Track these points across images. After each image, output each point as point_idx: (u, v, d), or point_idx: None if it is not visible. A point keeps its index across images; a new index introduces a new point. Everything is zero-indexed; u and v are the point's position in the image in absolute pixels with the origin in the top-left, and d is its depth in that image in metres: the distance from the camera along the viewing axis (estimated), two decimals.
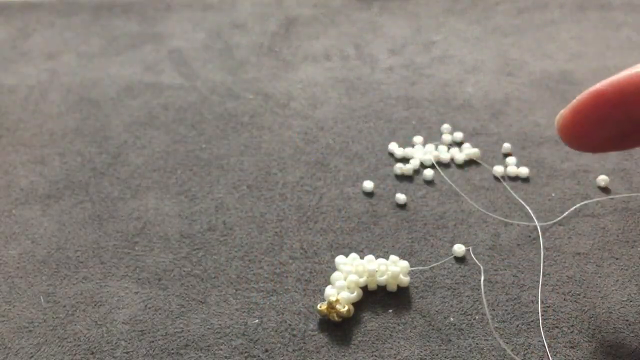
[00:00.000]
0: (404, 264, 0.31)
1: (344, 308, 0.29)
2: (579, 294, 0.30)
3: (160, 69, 0.47)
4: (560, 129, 0.26)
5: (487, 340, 0.29)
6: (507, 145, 0.39)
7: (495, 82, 0.45)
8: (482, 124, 0.41)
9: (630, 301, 0.30)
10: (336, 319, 0.29)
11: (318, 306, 0.30)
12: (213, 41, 0.50)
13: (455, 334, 0.29)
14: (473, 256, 0.24)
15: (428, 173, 0.37)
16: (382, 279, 0.31)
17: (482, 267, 0.25)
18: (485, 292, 0.31)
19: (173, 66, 0.47)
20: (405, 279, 0.31)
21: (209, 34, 0.51)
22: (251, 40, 0.50)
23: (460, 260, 0.32)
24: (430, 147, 0.39)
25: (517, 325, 0.29)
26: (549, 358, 0.28)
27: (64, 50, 0.50)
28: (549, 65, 0.46)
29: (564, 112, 0.26)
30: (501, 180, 0.37)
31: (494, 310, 0.30)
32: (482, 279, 0.24)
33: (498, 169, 0.37)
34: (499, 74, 0.46)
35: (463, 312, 0.30)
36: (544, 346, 0.28)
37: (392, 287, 0.31)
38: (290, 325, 0.29)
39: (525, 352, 0.28)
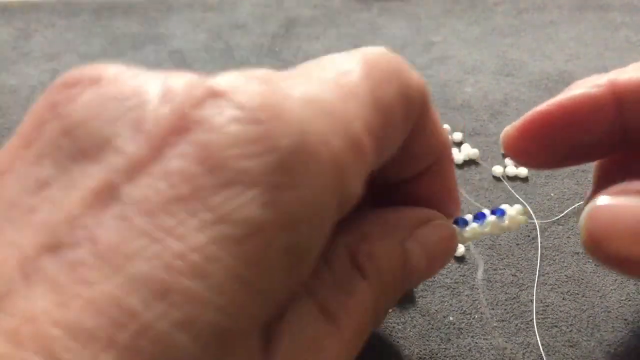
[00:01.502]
0: None
1: None
2: (577, 293, 0.31)
3: (161, 69, 0.47)
4: (505, 147, 0.25)
5: (486, 339, 0.29)
6: None
7: (494, 82, 0.45)
8: (481, 124, 0.41)
9: (629, 300, 0.30)
10: None
11: None
12: (214, 42, 0.50)
13: (454, 333, 0.29)
14: (472, 250, 0.24)
15: None
16: None
17: (482, 261, 0.26)
18: (484, 291, 0.31)
19: (174, 67, 0.48)
20: None
21: (210, 35, 0.51)
22: (251, 41, 0.50)
23: (460, 259, 0.32)
24: None
25: (516, 325, 0.29)
26: (542, 357, 0.28)
27: (65, 51, 0.50)
28: (548, 65, 0.46)
29: (508, 130, 0.25)
30: (501, 180, 0.37)
31: (492, 309, 0.30)
32: (481, 270, 0.24)
33: (497, 169, 0.38)
34: (498, 74, 0.46)
35: (462, 312, 0.30)
36: (540, 345, 0.28)
37: None
38: None
39: (525, 351, 0.28)
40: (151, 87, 0.16)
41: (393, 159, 0.22)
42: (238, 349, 0.15)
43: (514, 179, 0.37)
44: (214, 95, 0.16)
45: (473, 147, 0.39)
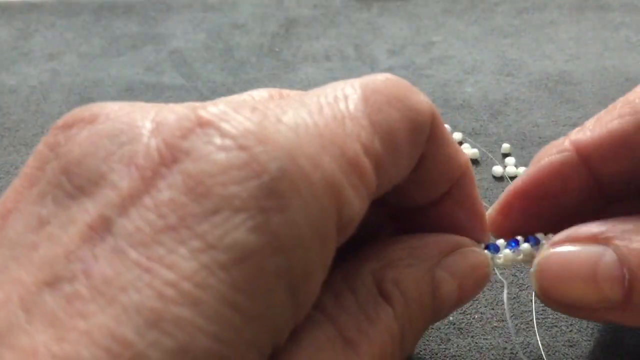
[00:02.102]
0: None
1: None
2: None
3: (161, 69, 0.47)
4: (491, 229, 0.26)
5: (486, 339, 0.29)
6: (506, 146, 0.39)
7: (494, 82, 0.45)
8: (481, 124, 0.41)
9: None
10: None
11: None
12: (213, 42, 0.50)
13: (454, 333, 0.29)
14: (497, 272, 0.24)
15: None
16: None
17: (505, 282, 0.26)
18: (484, 291, 0.31)
19: (174, 67, 0.48)
20: None
21: (210, 35, 0.51)
22: (251, 41, 0.50)
23: None
24: None
25: (517, 325, 0.29)
26: (543, 357, 0.28)
27: (65, 51, 0.50)
28: (548, 65, 0.46)
29: (490, 213, 0.26)
30: (501, 179, 0.37)
31: (492, 309, 0.30)
32: (506, 292, 0.24)
33: (497, 169, 0.38)
34: (498, 74, 0.46)
35: (462, 312, 0.30)
36: (540, 345, 0.28)
37: None
38: None
39: (525, 351, 0.28)
40: (144, 122, 0.17)
41: (408, 184, 0.22)
42: None
43: (514, 179, 0.37)
44: (202, 125, 0.16)
45: (473, 147, 0.39)
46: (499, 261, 0.24)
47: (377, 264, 0.21)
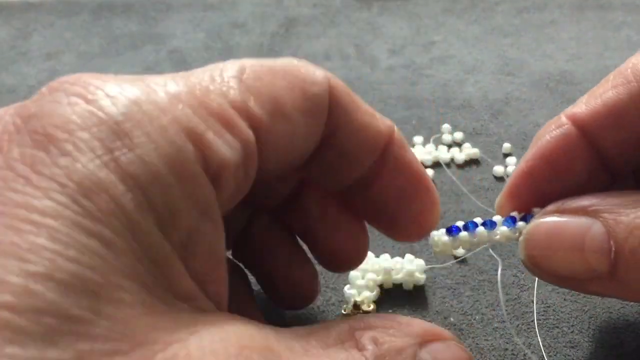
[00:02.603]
0: (420, 262, 0.31)
1: (369, 307, 0.30)
2: (578, 294, 0.31)
3: (161, 69, 0.47)
4: (501, 215, 0.26)
5: (487, 340, 0.29)
6: (507, 145, 0.39)
7: (495, 82, 0.45)
8: (482, 123, 0.41)
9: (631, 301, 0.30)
10: None
11: (343, 310, 0.30)
12: (213, 41, 0.50)
13: (455, 334, 0.29)
14: (491, 251, 0.24)
15: (428, 173, 0.38)
16: (398, 277, 0.31)
17: (500, 261, 0.26)
18: (485, 292, 0.31)
19: (173, 66, 0.47)
20: (421, 277, 0.31)
21: (209, 34, 0.51)
22: (251, 41, 0.50)
23: (461, 260, 0.32)
24: (430, 147, 0.39)
25: (517, 325, 0.29)
26: (544, 358, 0.28)
27: (64, 50, 0.50)
28: (548, 65, 0.46)
29: (499, 200, 0.26)
30: (502, 179, 0.37)
31: (494, 310, 0.30)
32: (500, 270, 0.24)
33: (498, 169, 0.38)
34: (499, 74, 0.46)
35: (463, 313, 0.30)
36: (541, 346, 0.28)
37: (409, 286, 0.31)
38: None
39: (525, 352, 0.28)
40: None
41: (332, 158, 0.23)
42: (106, 298, 0.16)
43: None
44: (52, 90, 0.18)
45: (474, 146, 0.39)
46: (496, 237, 0.24)
47: (358, 324, 0.21)
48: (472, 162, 0.39)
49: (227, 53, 0.49)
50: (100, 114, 0.17)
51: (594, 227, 0.22)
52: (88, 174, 0.16)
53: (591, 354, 0.28)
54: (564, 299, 0.30)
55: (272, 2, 0.55)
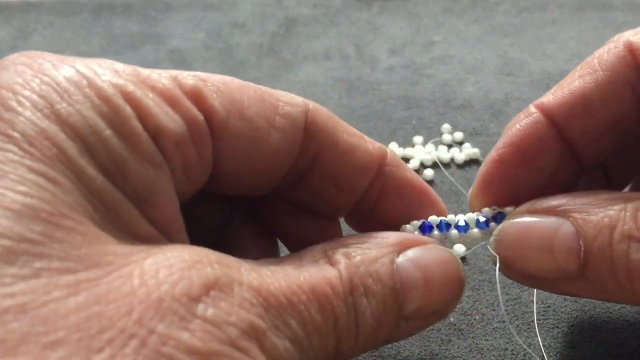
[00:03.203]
0: None
1: None
2: None
3: (161, 68, 0.47)
4: (472, 204, 0.26)
5: (487, 340, 0.29)
6: None
7: (495, 82, 0.45)
8: (482, 123, 0.41)
9: None
10: None
11: None
12: (213, 41, 0.50)
13: (455, 334, 0.29)
14: (489, 248, 0.24)
15: (428, 173, 0.37)
16: None
17: (497, 257, 0.25)
18: (485, 292, 0.31)
19: (173, 66, 0.47)
20: None
21: (209, 34, 0.51)
22: (251, 40, 0.50)
23: (461, 260, 0.32)
24: (430, 147, 0.39)
25: (517, 325, 0.29)
26: (544, 358, 0.28)
27: (64, 50, 0.50)
28: (549, 65, 0.46)
29: (472, 192, 0.26)
30: None
31: (494, 310, 0.30)
32: (497, 266, 0.24)
33: None
34: (499, 73, 0.46)
35: (463, 312, 0.30)
36: (541, 346, 0.28)
37: None
38: None
39: (526, 352, 0.28)
40: None
41: (323, 183, 0.24)
42: (57, 224, 0.17)
43: None
44: (6, 60, 0.20)
45: (474, 146, 0.39)
46: (468, 240, 0.25)
47: (331, 244, 0.22)
48: (472, 162, 0.39)
49: (227, 53, 0.49)
50: (43, 77, 0.19)
51: (564, 227, 0.22)
52: (30, 125, 0.18)
53: (591, 354, 0.28)
54: (564, 299, 0.30)
55: (272, 2, 0.55)
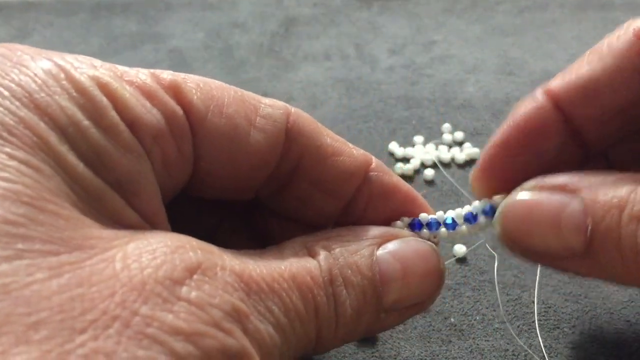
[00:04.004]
0: None
1: None
2: (580, 295, 0.30)
3: (160, 68, 0.47)
4: (475, 188, 0.26)
5: (487, 341, 0.29)
6: None
7: (495, 81, 0.45)
8: (482, 123, 0.41)
9: (632, 302, 0.30)
10: None
11: None
12: (213, 41, 0.50)
13: (455, 335, 0.29)
14: (488, 246, 0.24)
15: (428, 173, 0.37)
16: None
17: (496, 255, 0.25)
18: (486, 293, 0.31)
19: (173, 66, 0.47)
20: None
21: (209, 34, 0.51)
22: (251, 40, 0.50)
23: (461, 260, 0.32)
24: (430, 147, 0.39)
25: (518, 326, 0.29)
26: (545, 359, 0.28)
27: (64, 50, 0.49)
28: (549, 64, 0.46)
29: (473, 173, 0.26)
30: None
31: (494, 311, 0.30)
32: (496, 265, 0.24)
33: None
34: (500, 73, 0.45)
35: (463, 313, 0.30)
36: (542, 347, 0.28)
37: None
38: None
39: (526, 352, 0.28)
40: None
41: (308, 189, 0.24)
42: (39, 208, 0.17)
43: None
44: None
45: (475, 146, 0.39)
46: (457, 236, 0.25)
47: (312, 237, 0.22)
48: (472, 162, 0.38)
49: (227, 52, 0.49)
50: (22, 68, 0.19)
51: (572, 204, 0.22)
52: (9, 114, 0.18)
53: (592, 354, 0.28)
54: (565, 300, 0.30)
55: (271, 2, 0.54)
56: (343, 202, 0.24)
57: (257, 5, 0.54)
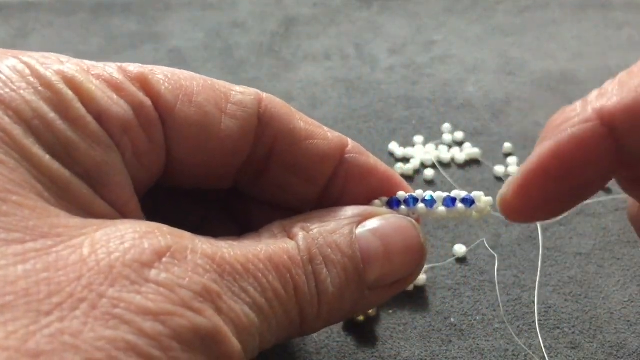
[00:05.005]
0: None
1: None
2: (580, 295, 0.30)
3: None
4: (504, 210, 0.23)
5: (487, 341, 0.29)
6: (508, 145, 0.39)
7: (496, 81, 0.45)
8: (482, 123, 0.41)
9: (632, 302, 0.30)
10: (361, 318, 0.29)
11: None
12: (213, 41, 0.50)
13: (456, 335, 0.29)
14: (487, 246, 0.24)
15: (429, 173, 0.37)
16: None
17: (496, 255, 0.25)
18: (486, 293, 0.31)
19: (173, 66, 0.47)
20: (421, 277, 0.31)
21: (209, 34, 0.51)
22: (251, 40, 0.50)
23: (461, 260, 0.32)
24: (430, 147, 0.39)
25: (518, 326, 0.29)
26: (545, 359, 0.28)
27: (63, 50, 0.49)
28: (550, 64, 0.46)
29: (505, 193, 0.23)
30: (503, 179, 0.37)
31: (494, 311, 0.30)
32: (497, 265, 0.24)
33: (499, 169, 0.37)
34: (500, 73, 0.45)
35: (464, 313, 0.30)
36: (542, 347, 0.28)
37: (409, 286, 0.31)
38: None
39: (526, 353, 0.28)
40: None
41: (284, 173, 0.24)
42: (2, 199, 0.17)
43: None
44: None
45: (475, 146, 0.39)
46: (435, 215, 0.24)
47: (290, 220, 0.23)
48: (472, 162, 0.38)
49: (227, 52, 0.49)
50: None
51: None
52: None
53: (592, 355, 0.28)
54: (565, 300, 0.30)
55: (271, 2, 0.54)
56: (320, 185, 0.24)
57: (257, 5, 0.54)
